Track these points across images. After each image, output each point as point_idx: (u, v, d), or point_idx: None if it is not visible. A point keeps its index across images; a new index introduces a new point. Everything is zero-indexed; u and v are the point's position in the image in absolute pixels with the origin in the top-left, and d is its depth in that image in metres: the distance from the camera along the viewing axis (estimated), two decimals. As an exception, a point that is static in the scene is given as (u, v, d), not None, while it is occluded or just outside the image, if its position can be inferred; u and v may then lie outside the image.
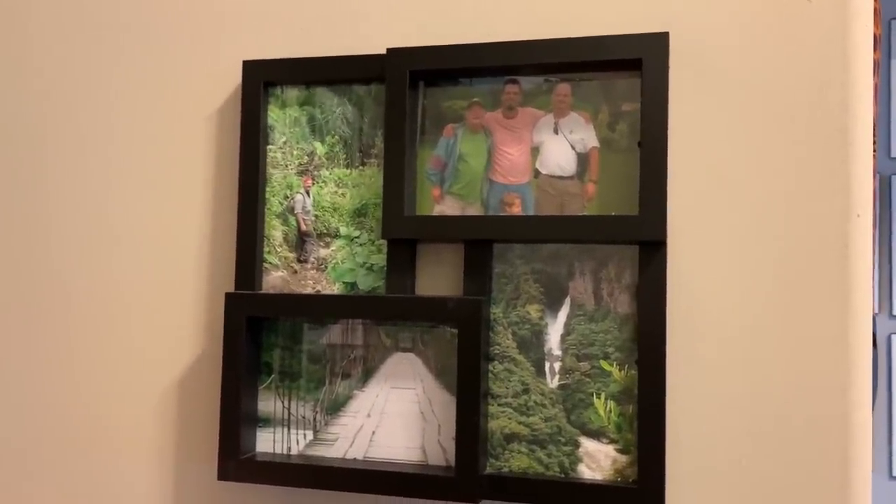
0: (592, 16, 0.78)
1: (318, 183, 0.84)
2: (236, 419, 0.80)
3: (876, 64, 1.11)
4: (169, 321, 0.88)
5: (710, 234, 0.74)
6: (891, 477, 2.07)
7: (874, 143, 0.87)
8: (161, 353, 0.89)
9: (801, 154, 0.72)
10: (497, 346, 0.78)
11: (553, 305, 0.77)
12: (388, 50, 0.79)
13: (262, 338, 0.84)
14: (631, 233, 0.73)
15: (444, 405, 0.78)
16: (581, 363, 0.76)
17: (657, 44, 0.73)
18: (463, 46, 0.78)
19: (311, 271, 0.84)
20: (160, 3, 0.91)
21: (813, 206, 0.72)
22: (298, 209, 0.84)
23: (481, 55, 0.77)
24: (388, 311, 0.78)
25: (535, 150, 0.78)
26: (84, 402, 0.91)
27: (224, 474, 0.80)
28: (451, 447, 0.77)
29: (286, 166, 0.85)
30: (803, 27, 0.73)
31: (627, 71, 0.75)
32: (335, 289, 0.83)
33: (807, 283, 0.72)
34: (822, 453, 0.70)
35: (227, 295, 0.82)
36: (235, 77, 0.87)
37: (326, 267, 0.83)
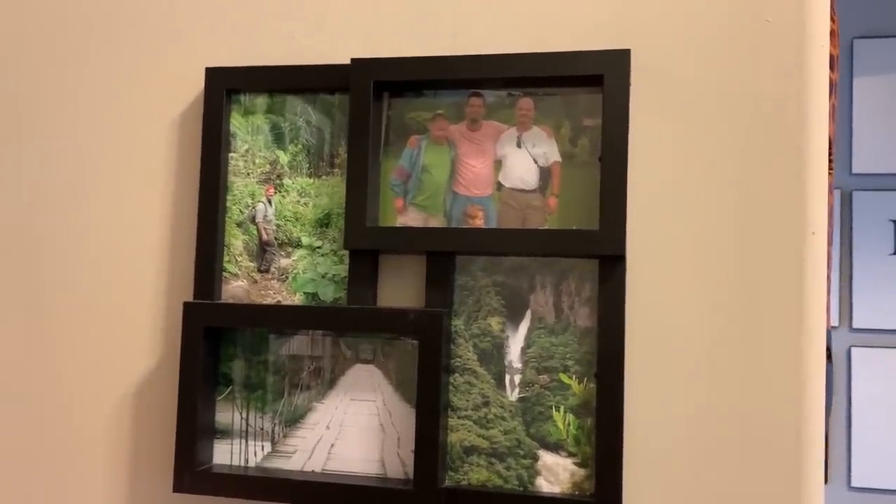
0: (556, 32, 0.78)
1: (280, 192, 0.83)
2: (193, 430, 0.79)
3: (833, 84, 1.14)
4: (125, 330, 0.87)
5: (668, 249, 0.75)
6: (849, 487, 2.11)
7: (830, 160, 0.89)
8: (117, 363, 0.87)
9: (757, 170, 0.74)
10: (458, 359, 0.77)
11: (514, 318, 0.77)
12: (353, 60, 0.79)
13: (221, 348, 0.83)
14: (591, 247, 0.73)
15: (404, 417, 0.78)
16: (541, 376, 0.76)
17: (619, 60, 0.74)
18: (428, 59, 0.78)
19: (272, 281, 0.83)
20: (121, 8, 0.90)
21: (768, 222, 0.73)
22: (260, 218, 0.84)
23: (446, 68, 0.77)
24: (348, 322, 0.78)
25: (499, 163, 0.78)
26: (36, 412, 0.89)
27: (180, 486, 0.79)
28: (410, 460, 0.77)
29: (248, 174, 0.84)
30: (762, 46, 0.74)
31: (589, 87, 0.76)
32: (296, 299, 0.82)
33: (762, 298, 0.73)
34: (777, 466, 0.71)
35: (185, 304, 0.81)
36: (198, 84, 0.86)
37: (287, 277, 0.82)
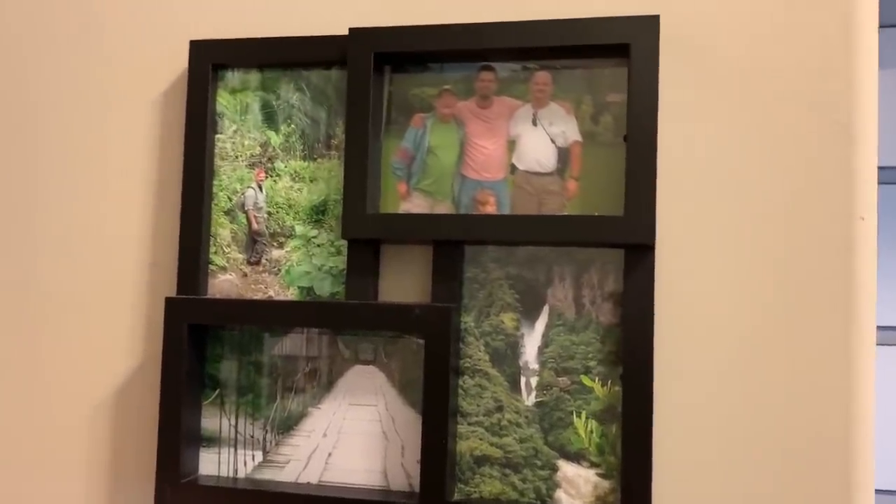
0: (575, -3, 0.71)
1: (271, 176, 0.76)
2: (177, 438, 0.74)
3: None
4: (104, 328, 0.81)
5: (701, 237, 0.68)
6: (875, 491, 2.04)
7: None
8: (95, 364, 0.81)
9: (800, 151, 0.67)
10: (468, 359, 0.71)
11: (530, 314, 0.71)
12: (351, 30, 0.73)
13: (208, 348, 0.77)
14: (616, 235, 0.67)
15: (409, 424, 0.72)
16: (560, 378, 0.70)
17: (646, 28, 0.67)
18: (433, 28, 0.72)
19: (263, 274, 0.76)
20: (99, -24, 0.83)
21: (814, 207, 0.66)
22: (249, 205, 0.77)
23: (453, 38, 0.71)
24: (347, 319, 0.72)
25: (512, 144, 0.72)
26: (10, 417, 0.83)
27: (162, 499, 0.74)
28: (415, 470, 0.71)
29: (236, 158, 0.77)
30: (805, 12, 0.67)
31: (613, 58, 0.70)
32: (289, 294, 0.75)
33: (807, 290, 0.66)
34: (824, 478, 0.64)
35: (168, 300, 0.75)
36: (181, 59, 0.79)
37: (280, 270, 0.76)
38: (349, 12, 0.76)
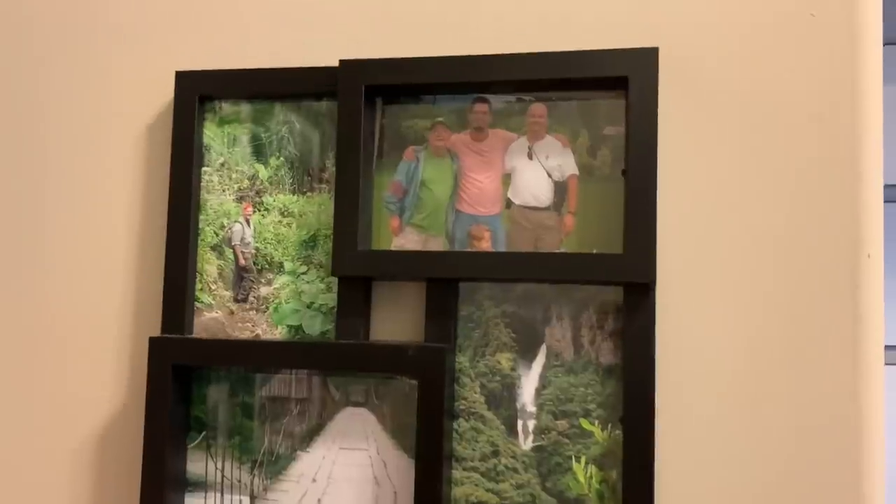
0: (572, 28, 0.70)
1: (259, 211, 0.74)
2: (160, 482, 0.71)
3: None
4: (87, 368, 0.78)
5: (704, 275, 0.66)
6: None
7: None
8: (77, 405, 0.78)
9: (804, 186, 0.65)
10: (463, 402, 0.69)
11: (526, 354, 0.68)
12: (342, 62, 0.71)
13: (193, 389, 0.74)
14: (615, 273, 0.65)
15: (401, 469, 0.69)
16: (558, 422, 0.67)
17: (645, 60, 0.65)
18: (425, 59, 0.70)
19: (251, 312, 0.74)
20: (83, 6, 0.81)
21: (818, 244, 0.64)
22: (236, 240, 0.74)
23: (446, 70, 0.69)
24: (337, 359, 0.69)
25: (507, 178, 0.70)
26: (-14, 460, 0.79)
27: None
28: (408, 518, 0.68)
29: (223, 191, 0.75)
30: (807, 43, 0.65)
31: (611, 90, 0.68)
32: (278, 333, 0.73)
33: (812, 332, 0.64)
34: (833, 527, 0.62)
35: (152, 339, 0.72)
36: (167, 90, 0.76)
37: (268, 307, 0.73)
38: (340, 43, 0.74)
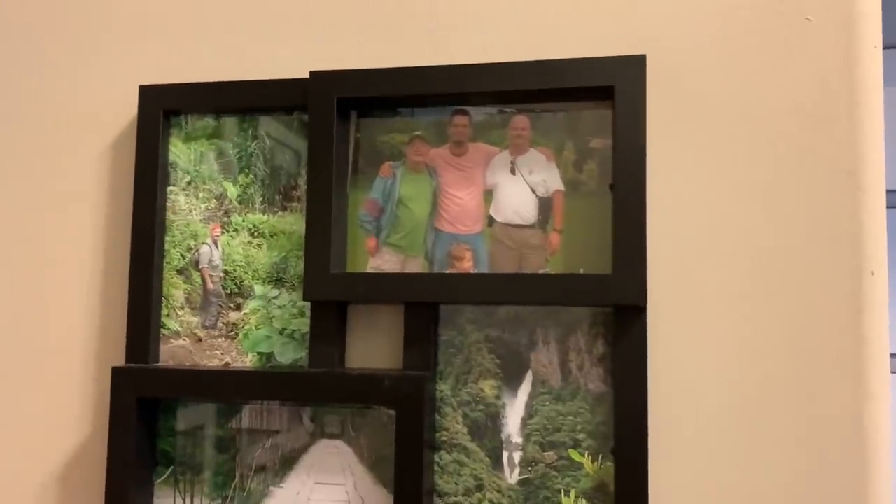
0: (554, 36, 0.66)
1: (228, 231, 0.70)
2: None
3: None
4: (47, 399, 0.74)
5: (698, 295, 0.62)
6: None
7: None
8: (37, 439, 0.74)
9: (802, 201, 0.61)
10: (444, 432, 0.65)
11: (511, 381, 0.64)
12: (312, 73, 0.67)
13: (159, 422, 0.70)
14: (604, 295, 0.61)
15: (380, 505, 0.64)
16: (546, 453, 0.63)
17: (632, 68, 0.62)
18: (401, 70, 0.66)
19: (220, 339, 0.69)
20: (42, 17, 0.77)
21: (817, 261, 0.61)
22: (204, 263, 0.70)
23: (423, 81, 0.66)
24: (311, 389, 0.65)
25: (489, 194, 0.66)
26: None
27: None
28: (388, 557, 0.64)
29: (190, 211, 0.71)
30: (803, 50, 0.62)
31: (597, 100, 0.64)
32: (248, 361, 0.69)
33: (813, 354, 0.60)
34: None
35: (114, 370, 0.68)
36: (131, 105, 0.73)
37: (238, 334, 0.69)
38: (311, 55, 0.70)
